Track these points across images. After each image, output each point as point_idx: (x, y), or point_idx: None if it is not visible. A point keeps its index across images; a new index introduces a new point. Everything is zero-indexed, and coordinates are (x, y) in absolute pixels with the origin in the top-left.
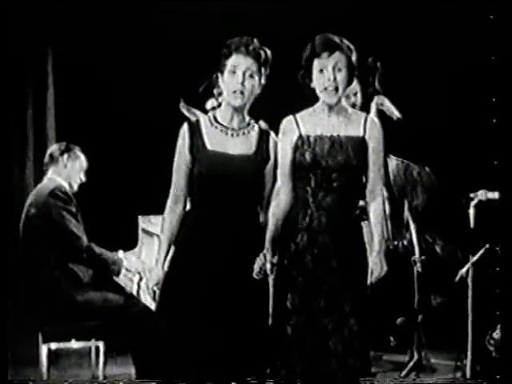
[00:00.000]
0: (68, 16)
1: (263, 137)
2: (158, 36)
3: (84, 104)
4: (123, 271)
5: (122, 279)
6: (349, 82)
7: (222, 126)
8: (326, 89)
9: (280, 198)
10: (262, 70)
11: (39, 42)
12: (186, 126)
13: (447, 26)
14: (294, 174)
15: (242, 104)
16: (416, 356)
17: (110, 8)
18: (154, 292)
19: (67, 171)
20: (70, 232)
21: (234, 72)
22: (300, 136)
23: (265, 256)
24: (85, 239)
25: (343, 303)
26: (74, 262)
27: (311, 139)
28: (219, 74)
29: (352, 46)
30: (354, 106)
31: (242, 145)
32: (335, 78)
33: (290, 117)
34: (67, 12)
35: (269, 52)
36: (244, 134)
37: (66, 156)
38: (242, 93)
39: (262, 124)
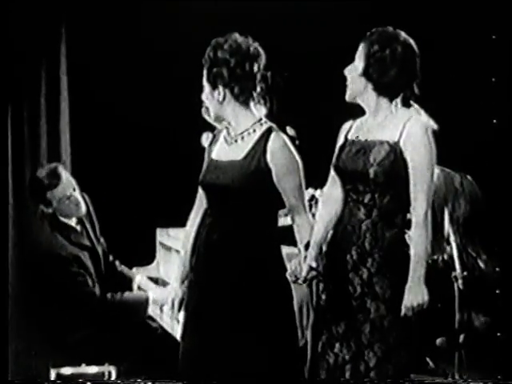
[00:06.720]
0: (84, 20)
1: (260, 141)
2: (180, 42)
3: (98, 112)
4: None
5: None
6: (372, 81)
7: (228, 133)
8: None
9: (329, 201)
10: (213, 71)
11: (52, 46)
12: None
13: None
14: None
15: (212, 117)
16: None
17: (128, 14)
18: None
19: (55, 204)
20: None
21: None
22: (346, 139)
23: (305, 257)
24: (96, 290)
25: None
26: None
27: (347, 143)
28: None
29: (378, 40)
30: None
31: (234, 150)
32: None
33: (350, 121)
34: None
35: (219, 51)
36: (242, 138)
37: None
38: (206, 109)
39: (289, 131)
